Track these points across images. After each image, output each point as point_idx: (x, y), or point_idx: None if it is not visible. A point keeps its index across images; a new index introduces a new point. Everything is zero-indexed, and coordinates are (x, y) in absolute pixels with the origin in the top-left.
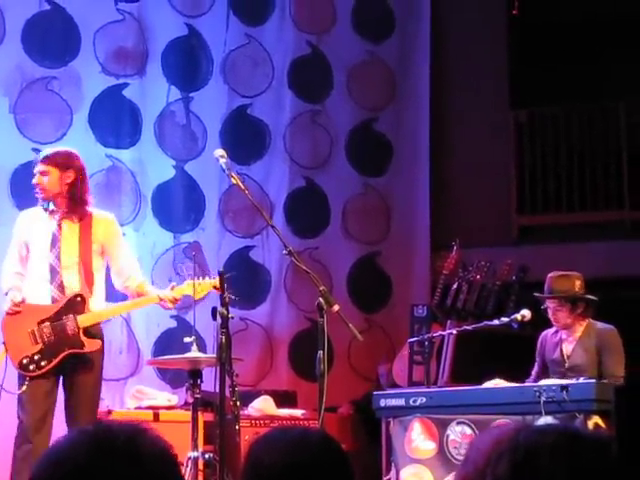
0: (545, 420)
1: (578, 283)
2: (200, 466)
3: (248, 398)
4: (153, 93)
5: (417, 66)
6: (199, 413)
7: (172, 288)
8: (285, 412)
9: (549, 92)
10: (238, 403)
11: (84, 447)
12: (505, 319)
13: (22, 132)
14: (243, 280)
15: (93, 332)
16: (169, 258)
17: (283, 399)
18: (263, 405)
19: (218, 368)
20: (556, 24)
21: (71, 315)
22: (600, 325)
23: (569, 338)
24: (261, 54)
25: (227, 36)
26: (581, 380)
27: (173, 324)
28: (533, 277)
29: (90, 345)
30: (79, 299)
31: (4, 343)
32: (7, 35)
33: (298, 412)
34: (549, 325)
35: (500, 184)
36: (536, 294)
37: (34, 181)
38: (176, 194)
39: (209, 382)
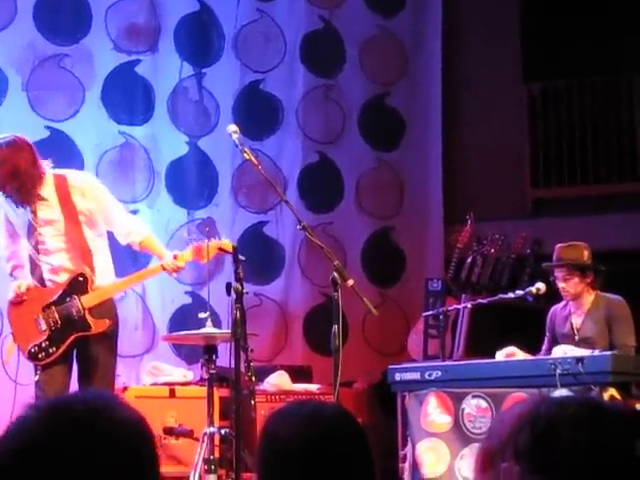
0: (560, 393)
1: (586, 253)
2: (216, 441)
3: (263, 373)
4: (165, 69)
5: (429, 40)
6: (215, 389)
7: (175, 257)
8: (300, 387)
9: (562, 65)
10: (253, 378)
11: (44, 419)
12: (520, 292)
13: (35, 110)
14: (257, 256)
15: (100, 312)
16: (183, 234)
17: (298, 374)
18: (279, 380)
19: (233, 344)
20: None
21: (75, 296)
22: (609, 296)
23: (578, 311)
24: (273, 29)
25: (238, 11)
26: (597, 352)
27: (188, 300)
28: (548, 250)
29: (97, 326)
30: (81, 279)
31: (12, 334)
32: (19, 13)
33: (313, 387)
34: (561, 299)
35: (514, 157)
36: (545, 264)
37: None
38: (189, 170)
39: (224, 358)
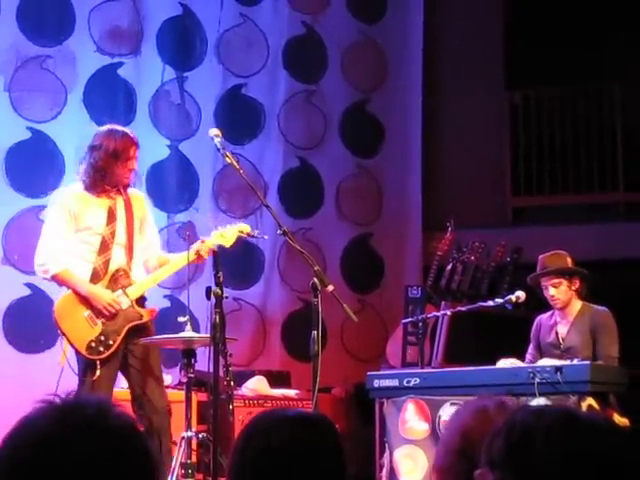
0: (538, 401)
1: (569, 260)
2: (193, 446)
3: (242, 378)
4: (148, 73)
5: (410, 47)
6: (193, 393)
7: (203, 242)
8: (279, 392)
9: (544, 73)
10: (232, 383)
11: (53, 418)
12: (499, 300)
13: (17, 110)
14: (237, 260)
15: (144, 301)
16: (163, 238)
17: (277, 379)
18: (257, 385)
19: (212, 348)
20: (552, 5)
21: (120, 290)
22: (594, 307)
23: (563, 320)
24: (256, 34)
25: (222, 15)
26: (575, 362)
27: (167, 304)
28: (527, 258)
29: (147, 314)
30: (122, 273)
31: (64, 334)
32: (2, 13)
33: (292, 392)
34: (543, 306)
35: (495, 165)
36: (530, 276)
37: (135, 167)
38: (170, 174)
39: (202, 362)
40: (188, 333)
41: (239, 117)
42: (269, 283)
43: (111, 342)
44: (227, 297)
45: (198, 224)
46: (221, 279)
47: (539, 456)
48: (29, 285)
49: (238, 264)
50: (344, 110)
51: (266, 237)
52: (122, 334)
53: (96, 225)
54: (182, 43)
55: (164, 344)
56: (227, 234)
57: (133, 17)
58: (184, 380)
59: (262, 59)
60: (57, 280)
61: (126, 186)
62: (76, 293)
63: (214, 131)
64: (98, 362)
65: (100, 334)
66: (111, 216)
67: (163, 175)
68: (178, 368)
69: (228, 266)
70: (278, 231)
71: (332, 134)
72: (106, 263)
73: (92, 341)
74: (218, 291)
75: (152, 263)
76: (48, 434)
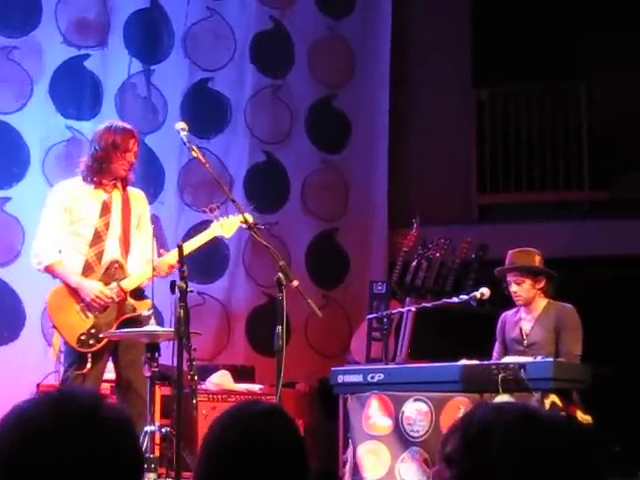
0: (502, 398)
1: (538, 258)
2: (157, 440)
3: (206, 372)
4: (114, 65)
5: (377, 44)
6: (156, 387)
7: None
8: (243, 387)
9: (511, 71)
10: (196, 377)
11: (48, 408)
12: (464, 297)
13: None
14: (201, 254)
15: (139, 293)
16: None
17: (241, 374)
18: (221, 380)
19: (176, 342)
20: (518, 2)
21: (114, 283)
22: (559, 304)
23: (528, 316)
24: (223, 28)
25: (189, 9)
26: (539, 359)
27: None
28: (492, 256)
29: (141, 307)
30: (117, 265)
31: (54, 327)
32: None
33: (256, 387)
34: (508, 304)
35: (461, 162)
36: (497, 269)
37: (134, 160)
38: (136, 167)
39: (165, 356)
40: (152, 327)
41: (205, 111)
42: (234, 277)
43: (102, 335)
44: (192, 291)
45: (163, 218)
46: (185, 273)
47: (495, 454)
48: None
49: (202, 258)
50: (310, 105)
51: (250, 222)
52: (114, 327)
53: (89, 216)
54: (149, 36)
55: (128, 338)
56: (228, 224)
57: (100, 9)
58: (148, 374)
59: (229, 53)
60: (49, 272)
61: (125, 182)
62: (67, 285)
63: (180, 124)
64: (89, 355)
65: (92, 327)
66: (105, 208)
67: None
68: (142, 362)
69: (192, 260)
70: (243, 225)
71: (298, 129)
72: (99, 255)
73: (83, 334)
74: (183, 285)
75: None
76: (43, 425)
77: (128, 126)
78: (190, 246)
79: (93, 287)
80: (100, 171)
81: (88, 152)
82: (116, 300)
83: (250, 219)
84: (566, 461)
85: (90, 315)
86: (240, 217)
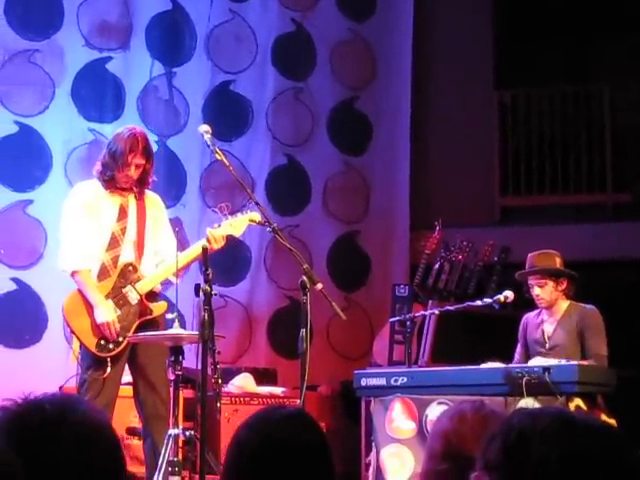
0: (526, 402)
1: (558, 260)
2: (180, 443)
3: (228, 375)
4: (136, 67)
5: (399, 46)
6: (180, 390)
7: (212, 233)
8: (265, 390)
9: (534, 73)
10: (220, 381)
11: (10, 420)
12: (487, 300)
13: (4, 104)
14: (224, 257)
15: (154, 296)
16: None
17: (263, 377)
18: (243, 382)
19: (201, 346)
20: (542, 5)
21: (129, 286)
22: (582, 305)
23: (550, 319)
24: (245, 30)
25: (211, 11)
26: (563, 362)
27: None
28: (515, 258)
29: (157, 309)
30: (130, 268)
31: (73, 332)
32: None
33: (278, 390)
34: (531, 306)
35: (483, 164)
36: (518, 273)
37: (133, 174)
38: (158, 170)
39: (189, 359)
40: (177, 330)
41: (227, 113)
42: (255, 280)
43: (121, 339)
44: (216, 294)
45: (185, 220)
46: (210, 276)
47: (536, 459)
48: (15, 280)
49: (224, 261)
50: (332, 108)
51: (274, 225)
52: (132, 330)
53: (107, 220)
54: (171, 38)
55: (152, 341)
56: (237, 223)
57: (122, 11)
58: (172, 377)
59: (251, 55)
60: (75, 277)
61: (142, 185)
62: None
63: (204, 127)
64: (108, 359)
65: None
66: (122, 212)
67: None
68: (166, 365)
69: (214, 263)
70: (268, 229)
71: (320, 131)
72: (115, 259)
73: (102, 338)
74: (207, 288)
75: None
76: (9, 434)
77: (137, 138)
78: (194, 250)
79: (107, 314)
80: (110, 178)
81: (100, 157)
82: (120, 341)
83: (258, 217)
84: (606, 464)
85: None
86: (248, 215)
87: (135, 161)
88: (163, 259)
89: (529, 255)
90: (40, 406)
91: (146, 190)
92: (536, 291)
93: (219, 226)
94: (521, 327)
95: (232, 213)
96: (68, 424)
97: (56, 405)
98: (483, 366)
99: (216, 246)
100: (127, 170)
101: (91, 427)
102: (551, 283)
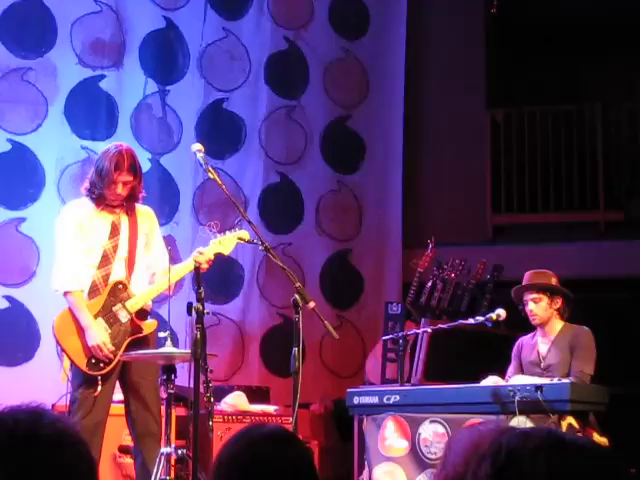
0: (518, 420)
1: (554, 280)
2: (172, 461)
3: (221, 393)
4: (130, 85)
5: (391, 64)
6: (172, 408)
7: (200, 253)
8: (258, 408)
9: (525, 92)
10: (212, 399)
11: None
12: (480, 318)
13: None
14: (217, 275)
15: (145, 314)
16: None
17: (256, 395)
18: (236, 401)
19: (193, 364)
20: (534, 24)
21: (119, 304)
22: (575, 327)
23: (545, 339)
24: (238, 48)
25: (204, 29)
26: (555, 380)
27: None
28: (507, 276)
29: (147, 327)
30: (120, 286)
31: (63, 350)
32: None
33: (271, 408)
34: (523, 325)
35: (475, 183)
36: (515, 288)
37: (121, 192)
38: (151, 187)
39: (181, 377)
40: (169, 348)
41: (220, 131)
42: (248, 298)
43: (112, 356)
44: (209, 313)
45: (178, 238)
46: (202, 295)
47: (525, 479)
48: (8, 298)
49: (217, 279)
50: (325, 126)
51: (266, 244)
52: (122, 348)
53: (98, 237)
54: (164, 56)
55: (144, 359)
56: (226, 242)
57: (115, 29)
58: (164, 396)
59: (244, 74)
60: (67, 298)
61: (132, 200)
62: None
63: (197, 146)
64: (99, 378)
65: None
66: (114, 230)
67: (144, 189)
68: (158, 383)
69: (207, 281)
70: (260, 247)
71: (313, 150)
72: (106, 277)
73: (92, 357)
74: (199, 307)
75: (158, 278)
76: None
77: (122, 156)
78: (185, 268)
79: (98, 336)
80: (98, 196)
81: (88, 175)
82: (114, 361)
83: (246, 236)
84: None
85: None
86: (237, 233)
87: (121, 179)
88: (155, 272)
89: (526, 273)
90: (9, 418)
91: (138, 204)
92: (530, 306)
93: (201, 253)
94: (515, 348)
95: (223, 231)
96: (39, 434)
97: (25, 416)
98: (484, 382)
99: (205, 266)
100: (114, 188)
101: (62, 435)
102: (546, 299)
